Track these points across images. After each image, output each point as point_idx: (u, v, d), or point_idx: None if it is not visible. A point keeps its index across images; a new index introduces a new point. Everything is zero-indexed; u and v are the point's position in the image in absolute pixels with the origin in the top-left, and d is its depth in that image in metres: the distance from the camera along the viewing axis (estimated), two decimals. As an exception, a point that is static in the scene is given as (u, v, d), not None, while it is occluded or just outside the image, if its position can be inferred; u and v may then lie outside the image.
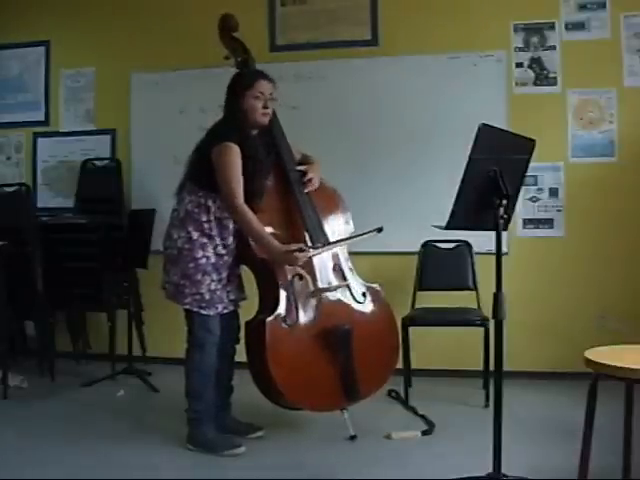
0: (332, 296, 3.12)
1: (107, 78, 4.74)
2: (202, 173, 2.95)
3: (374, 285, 3.26)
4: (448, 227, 2.32)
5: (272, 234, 2.96)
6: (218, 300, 2.98)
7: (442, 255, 4.07)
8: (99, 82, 4.78)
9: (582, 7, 4.13)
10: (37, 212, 4.67)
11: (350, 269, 3.23)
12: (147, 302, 4.42)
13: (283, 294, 2.99)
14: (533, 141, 2.47)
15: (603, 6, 4.10)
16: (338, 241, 3.17)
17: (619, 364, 2.06)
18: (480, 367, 3.66)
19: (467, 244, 4.02)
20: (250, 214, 2.89)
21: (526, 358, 4.02)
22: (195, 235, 2.94)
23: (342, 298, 3.14)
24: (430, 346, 4.06)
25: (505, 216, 2.33)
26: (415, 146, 4.23)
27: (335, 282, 3.15)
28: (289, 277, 3.02)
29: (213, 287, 2.96)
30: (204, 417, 3.00)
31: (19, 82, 4.93)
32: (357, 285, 3.21)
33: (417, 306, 3.97)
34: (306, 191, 3.13)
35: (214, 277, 2.97)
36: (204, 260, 2.94)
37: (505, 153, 2.36)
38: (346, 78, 4.35)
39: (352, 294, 3.17)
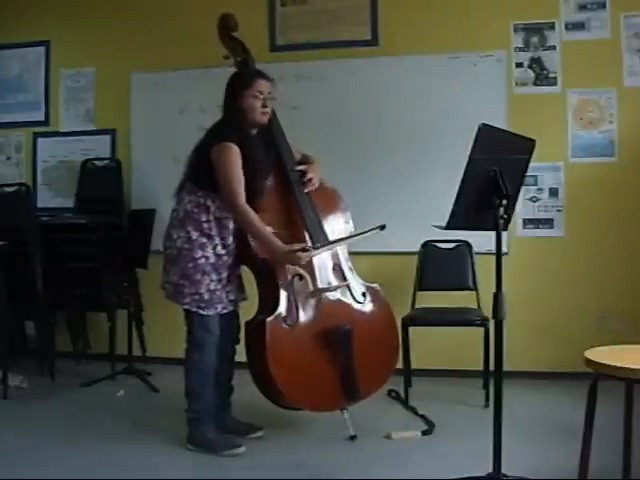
0: (332, 296, 3.12)
1: (107, 78, 4.74)
2: (201, 173, 2.95)
3: (374, 285, 3.26)
4: (448, 227, 2.32)
5: (272, 234, 2.96)
6: (217, 300, 2.98)
7: (442, 255, 4.07)
8: (99, 82, 4.78)
9: (582, 7, 4.13)
10: (37, 212, 4.67)
11: (350, 269, 3.23)
12: (147, 302, 4.42)
13: (283, 294, 2.99)
14: (533, 141, 2.47)
15: (603, 6, 4.10)
16: (341, 239, 3.16)
17: (619, 364, 2.06)
18: (480, 367, 3.66)
19: (467, 244, 4.02)
20: (252, 214, 2.89)
21: (526, 358, 4.02)
22: (194, 235, 2.94)
23: (342, 298, 3.14)
24: (430, 346, 4.06)
25: (505, 216, 2.33)
26: (415, 146, 4.23)
27: (335, 282, 3.14)
28: (289, 277, 3.01)
29: (212, 287, 2.96)
30: (204, 417, 3.00)
31: (19, 82, 4.93)
32: (357, 285, 3.21)
33: (417, 306, 3.97)
34: (306, 191, 3.13)
35: (213, 277, 2.96)
36: (203, 260, 2.94)
37: (505, 153, 2.36)
38: (346, 78, 4.35)
39: (352, 294, 3.17)
